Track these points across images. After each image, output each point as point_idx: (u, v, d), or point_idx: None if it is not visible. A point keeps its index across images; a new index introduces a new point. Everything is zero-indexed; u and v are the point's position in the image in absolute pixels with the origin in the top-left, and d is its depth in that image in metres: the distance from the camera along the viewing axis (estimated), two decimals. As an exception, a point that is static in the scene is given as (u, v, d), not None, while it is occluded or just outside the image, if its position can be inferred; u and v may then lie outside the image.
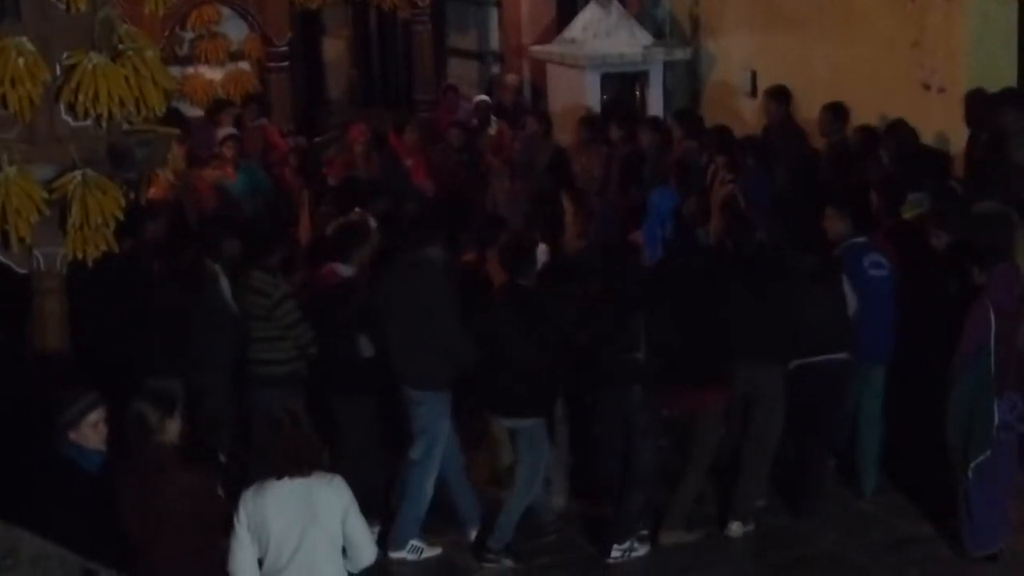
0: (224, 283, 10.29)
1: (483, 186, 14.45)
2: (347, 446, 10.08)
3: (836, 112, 13.22)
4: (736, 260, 10.40)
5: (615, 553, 9.96)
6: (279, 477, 7.14)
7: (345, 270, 10.28)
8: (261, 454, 7.39)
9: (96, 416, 7.60)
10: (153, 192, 12.37)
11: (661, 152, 13.69)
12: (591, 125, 14.43)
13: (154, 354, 10.10)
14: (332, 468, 9.67)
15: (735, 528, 10.25)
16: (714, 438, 10.19)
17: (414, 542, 10.04)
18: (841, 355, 10.29)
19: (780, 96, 13.87)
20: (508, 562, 9.97)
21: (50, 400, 7.84)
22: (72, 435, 7.56)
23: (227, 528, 7.17)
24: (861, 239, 10.69)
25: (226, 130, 14.50)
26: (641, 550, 10.01)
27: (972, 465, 9.51)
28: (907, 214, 11.36)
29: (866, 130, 13.09)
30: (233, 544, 7.13)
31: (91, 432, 7.58)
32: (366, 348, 10.04)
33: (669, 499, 10.18)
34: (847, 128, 13.19)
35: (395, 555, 9.97)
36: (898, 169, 11.99)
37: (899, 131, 12.69)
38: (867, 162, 12.54)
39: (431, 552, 10.06)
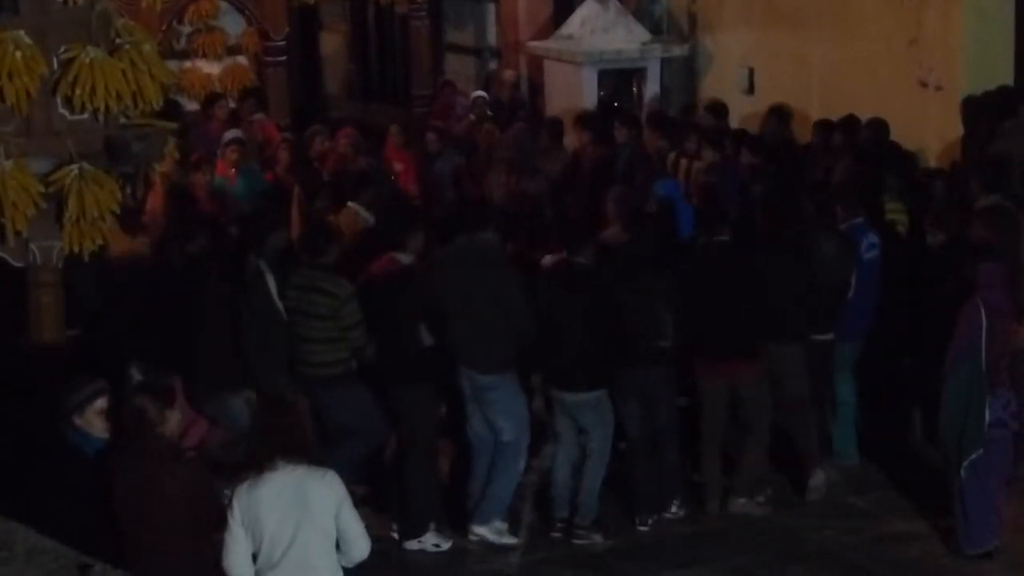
0: (271, 280, 10.10)
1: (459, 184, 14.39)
2: (410, 437, 10.04)
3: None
4: (758, 239, 10.66)
5: (651, 520, 10.23)
6: (271, 462, 7.10)
7: (405, 258, 10.22)
8: (254, 442, 7.35)
9: (102, 403, 7.62)
10: (152, 199, 12.31)
11: (636, 147, 13.91)
12: (553, 129, 14.68)
13: (200, 353, 10.00)
14: (403, 458, 9.95)
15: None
16: (766, 402, 10.35)
17: (498, 523, 10.04)
18: (827, 336, 10.58)
19: (716, 110, 14.42)
20: (599, 537, 10.06)
21: (49, 393, 7.84)
22: (77, 421, 7.58)
23: (221, 523, 7.16)
24: (859, 219, 10.79)
25: (232, 133, 14.41)
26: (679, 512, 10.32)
27: (966, 463, 9.52)
28: (889, 207, 11.45)
29: (823, 124, 13.18)
30: (227, 539, 7.10)
31: (96, 419, 7.61)
32: (426, 337, 10.02)
33: (736, 469, 10.42)
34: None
35: (477, 529, 10.02)
36: (863, 163, 12.05)
37: (871, 127, 12.78)
38: (825, 156, 12.65)
39: (509, 539, 10.05)
